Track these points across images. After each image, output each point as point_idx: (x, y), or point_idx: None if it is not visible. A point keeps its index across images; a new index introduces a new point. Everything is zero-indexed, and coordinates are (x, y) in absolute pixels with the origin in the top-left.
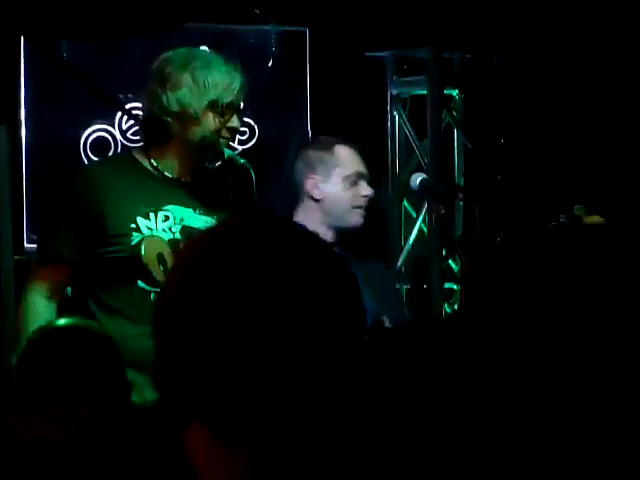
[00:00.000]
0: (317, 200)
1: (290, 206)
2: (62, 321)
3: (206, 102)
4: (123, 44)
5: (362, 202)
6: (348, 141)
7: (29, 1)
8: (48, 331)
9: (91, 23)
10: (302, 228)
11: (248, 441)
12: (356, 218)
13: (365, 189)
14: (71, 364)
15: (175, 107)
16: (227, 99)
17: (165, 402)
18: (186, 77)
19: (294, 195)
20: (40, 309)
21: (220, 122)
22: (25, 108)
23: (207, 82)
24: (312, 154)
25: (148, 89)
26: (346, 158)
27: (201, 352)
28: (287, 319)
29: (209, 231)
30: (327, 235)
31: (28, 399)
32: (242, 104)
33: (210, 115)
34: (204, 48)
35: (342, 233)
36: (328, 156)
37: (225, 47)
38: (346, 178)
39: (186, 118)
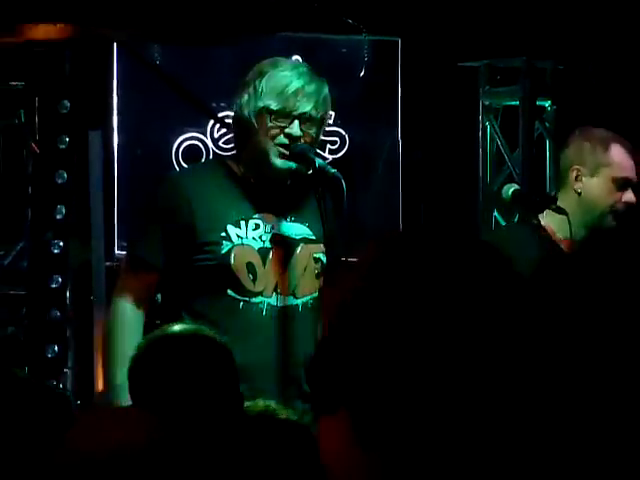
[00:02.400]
0: (577, 193)
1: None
2: (177, 327)
3: (256, 107)
4: (215, 52)
5: (621, 208)
6: (626, 142)
7: (121, 4)
8: (163, 337)
9: (182, 27)
10: (483, 246)
11: (385, 443)
12: (609, 222)
13: (629, 196)
14: (188, 371)
15: (239, 113)
16: (280, 105)
17: (314, 392)
18: (250, 83)
19: (557, 179)
20: (128, 315)
21: (277, 128)
22: (118, 114)
23: (261, 87)
24: (585, 145)
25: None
26: (620, 159)
27: (366, 352)
28: (457, 334)
29: (391, 239)
30: (578, 233)
31: (141, 404)
32: (314, 112)
33: (264, 121)
34: (296, 57)
35: None
36: (601, 152)
37: (317, 56)
38: (614, 180)
39: (247, 124)
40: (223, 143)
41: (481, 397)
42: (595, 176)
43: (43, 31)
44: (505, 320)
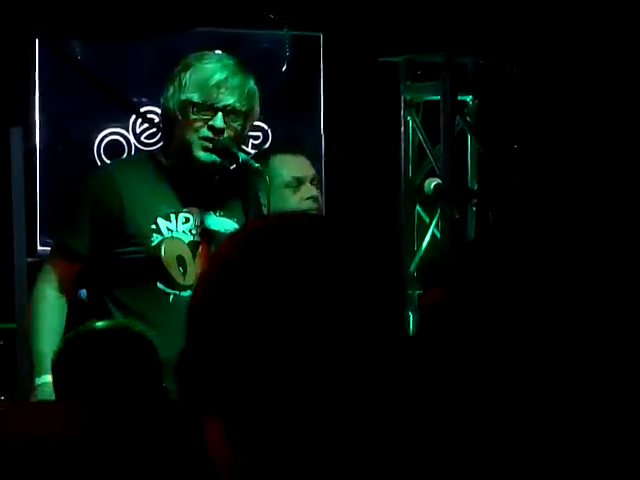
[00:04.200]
0: None
1: None
2: (100, 323)
3: (180, 100)
4: (137, 47)
5: (309, 205)
6: (285, 148)
7: (42, 1)
8: (87, 332)
9: (103, 23)
10: (340, 228)
11: (253, 446)
12: None
13: (308, 191)
14: (110, 366)
15: (165, 106)
16: (202, 97)
17: (183, 394)
18: (175, 77)
19: None
20: (52, 299)
21: (200, 121)
22: (39, 111)
23: (185, 80)
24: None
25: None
26: (281, 167)
27: (227, 351)
28: (317, 325)
29: (242, 233)
30: None
31: (65, 398)
32: (238, 105)
33: (187, 114)
34: (218, 52)
35: None
36: (265, 169)
37: (238, 52)
38: (287, 185)
39: (172, 118)
40: (145, 138)
41: (342, 396)
42: (274, 194)
43: None
44: (357, 310)
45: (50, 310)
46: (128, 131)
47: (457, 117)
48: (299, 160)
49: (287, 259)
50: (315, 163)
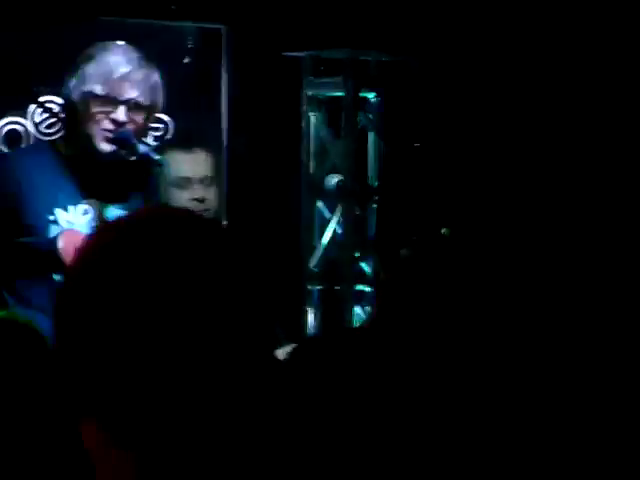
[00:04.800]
0: None
1: None
2: None
3: (83, 92)
4: (39, 36)
5: (193, 206)
6: (183, 143)
7: None
8: None
9: (4, 12)
10: (210, 222)
11: (133, 441)
12: None
13: (194, 192)
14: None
15: (67, 97)
16: (105, 90)
17: (59, 393)
18: (78, 67)
19: None
20: None
21: (102, 113)
22: None
23: (88, 72)
24: None
25: None
26: (171, 165)
27: (93, 347)
28: (184, 321)
29: (111, 225)
30: None
31: None
32: (142, 99)
33: (89, 106)
34: (122, 43)
35: None
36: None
37: (142, 42)
38: (174, 184)
39: (73, 108)
40: (45, 128)
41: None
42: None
43: None
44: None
45: None
46: (27, 120)
47: (359, 114)
48: (192, 158)
49: (155, 253)
50: (216, 156)
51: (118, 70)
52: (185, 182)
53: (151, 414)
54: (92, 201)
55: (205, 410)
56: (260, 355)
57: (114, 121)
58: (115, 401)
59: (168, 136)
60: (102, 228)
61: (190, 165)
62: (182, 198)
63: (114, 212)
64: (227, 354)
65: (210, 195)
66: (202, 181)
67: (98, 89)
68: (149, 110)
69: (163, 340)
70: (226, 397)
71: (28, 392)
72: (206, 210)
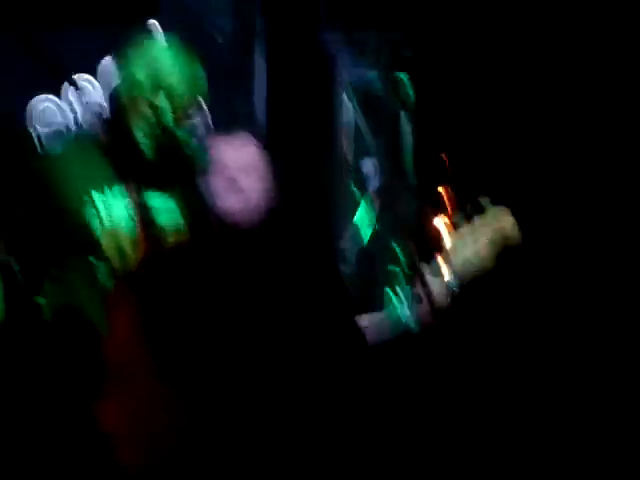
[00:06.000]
0: None
1: None
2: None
3: (125, 80)
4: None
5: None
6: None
7: None
8: None
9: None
10: None
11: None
12: None
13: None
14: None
15: (110, 84)
16: (147, 79)
17: None
18: (120, 58)
19: None
20: None
21: (145, 102)
22: None
23: (131, 61)
24: None
25: None
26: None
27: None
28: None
29: None
30: None
31: None
32: (182, 87)
33: (132, 94)
34: (163, 34)
35: None
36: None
37: (177, 24)
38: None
39: (114, 96)
40: (79, 107)
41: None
42: None
43: None
44: None
45: None
46: (60, 100)
47: (393, 96)
48: (229, 143)
49: None
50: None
51: (161, 59)
52: (223, 168)
53: None
54: (131, 187)
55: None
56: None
57: (155, 109)
58: None
59: (205, 121)
60: None
61: (228, 151)
62: (219, 185)
63: (152, 197)
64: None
65: (250, 183)
66: (242, 168)
67: (141, 76)
68: (189, 98)
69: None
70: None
71: None
72: (246, 197)
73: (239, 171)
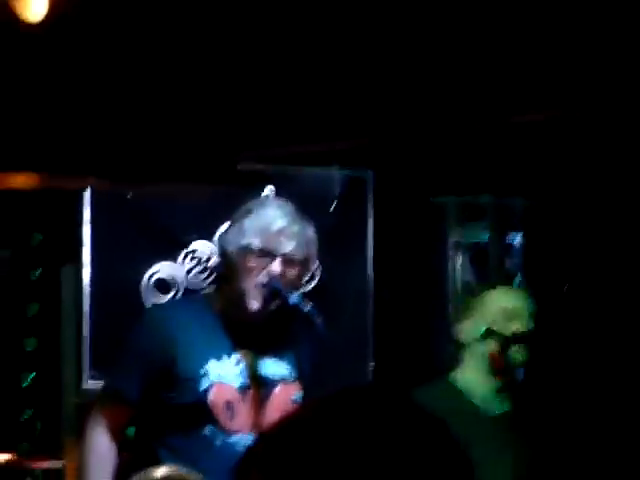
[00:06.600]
0: None
1: None
2: (159, 474)
3: (240, 245)
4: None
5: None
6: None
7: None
8: None
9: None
10: (419, 408)
11: None
12: None
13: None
14: None
15: (223, 250)
16: (262, 243)
17: None
18: (236, 221)
19: None
20: (102, 447)
21: (259, 267)
22: (90, 250)
23: (246, 225)
24: None
25: None
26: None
27: None
28: None
29: (319, 405)
30: None
31: None
32: (297, 253)
33: (246, 259)
34: (276, 197)
35: None
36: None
37: (287, 189)
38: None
39: (229, 261)
40: (194, 276)
41: None
42: None
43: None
44: None
45: (102, 462)
46: (175, 268)
47: (505, 259)
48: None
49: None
50: (363, 305)
51: (276, 224)
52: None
53: None
54: (244, 352)
55: None
56: None
57: (269, 274)
58: None
59: (314, 282)
60: (307, 406)
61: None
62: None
63: (266, 364)
64: None
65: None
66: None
67: (256, 243)
68: (303, 264)
69: None
70: None
71: None
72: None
73: None
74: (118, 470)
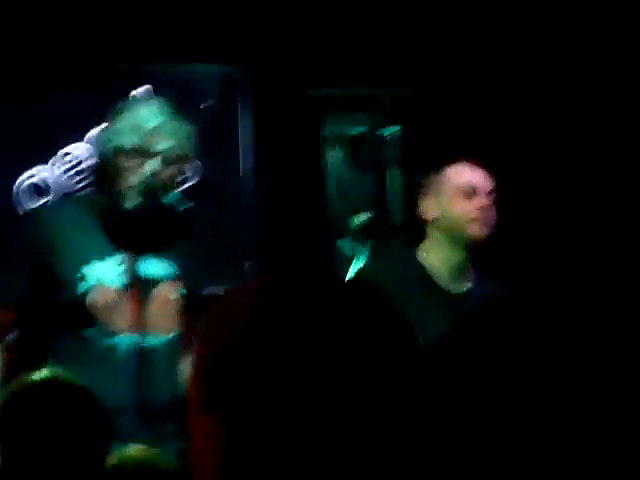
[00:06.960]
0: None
1: None
2: (36, 376)
3: (113, 146)
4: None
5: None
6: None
7: None
8: (25, 389)
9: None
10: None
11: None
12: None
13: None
14: (53, 422)
15: (98, 152)
16: (137, 143)
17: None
18: (108, 123)
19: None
20: None
21: (135, 167)
22: None
23: (118, 125)
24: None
25: None
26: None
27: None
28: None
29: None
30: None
31: (10, 457)
32: (171, 151)
33: (121, 159)
34: (146, 86)
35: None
36: (436, 176)
37: (164, 88)
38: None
39: (105, 162)
40: (69, 178)
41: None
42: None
43: None
44: None
45: None
46: (49, 171)
47: (382, 149)
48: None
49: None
50: (236, 200)
51: (150, 122)
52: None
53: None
54: (127, 253)
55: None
56: None
57: (145, 173)
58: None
59: (191, 183)
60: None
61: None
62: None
63: (147, 264)
64: None
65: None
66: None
67: (130, 143)
68: (180, 162)
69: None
70: None
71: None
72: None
73: None
74: (3, 371)
